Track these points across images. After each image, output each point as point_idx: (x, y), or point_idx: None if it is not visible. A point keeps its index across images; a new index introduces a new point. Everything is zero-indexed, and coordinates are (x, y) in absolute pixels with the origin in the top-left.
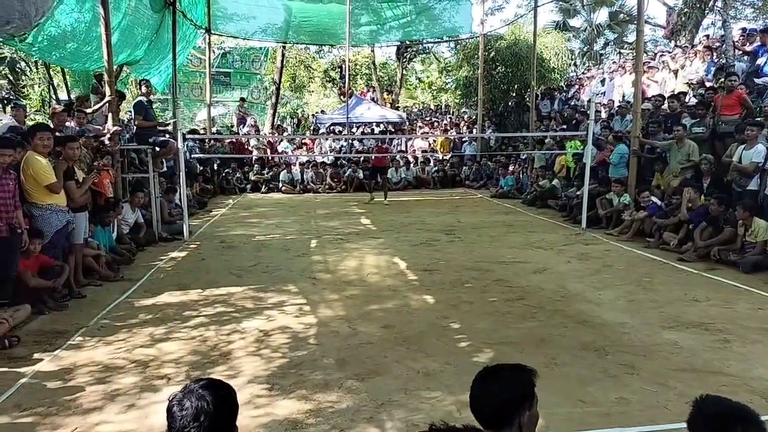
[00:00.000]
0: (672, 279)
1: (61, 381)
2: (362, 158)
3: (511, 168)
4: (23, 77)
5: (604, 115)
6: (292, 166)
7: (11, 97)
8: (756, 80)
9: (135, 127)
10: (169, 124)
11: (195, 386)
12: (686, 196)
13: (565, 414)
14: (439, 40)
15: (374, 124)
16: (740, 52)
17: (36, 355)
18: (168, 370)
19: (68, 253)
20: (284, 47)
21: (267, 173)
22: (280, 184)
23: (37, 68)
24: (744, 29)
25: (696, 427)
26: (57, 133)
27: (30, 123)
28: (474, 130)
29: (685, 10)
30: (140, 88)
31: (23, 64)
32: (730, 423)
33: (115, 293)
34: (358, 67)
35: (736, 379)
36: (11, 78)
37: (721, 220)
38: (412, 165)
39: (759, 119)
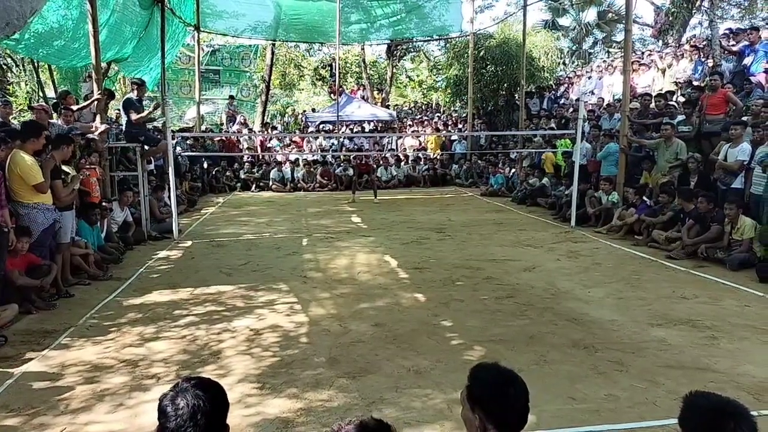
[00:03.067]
0: (660, 276)
1: (49, 381)
2: (353, 156)
3: (499, 166)
4: (9, 74)
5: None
6: (283, 165)
7: None
8: (752, 78)
9: (124, 125)
10: (157, 110)
11: (187, 385)
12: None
13: (554, 411)
14: (429, 38)
15: (365, 122)
16: (726, 51)
17: (24, 356)
18: (158, 370)
19: (56, 252)
20: (274, 45)
21: (257, 171)
22: (270, 183)
23: (23, 65)
24: (729, 29)
25: (688, 424)
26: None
27: (14, 121)
28: (462, 128)
29: (673, 9)
30: (133, 88)
31: (9, 60)
32: (722, 418)
33: (103, 292)
34: (348, 65)
35: (723, 376)
36: None
37: (708, 218)
38: (402, 163)
39: (744, 118)
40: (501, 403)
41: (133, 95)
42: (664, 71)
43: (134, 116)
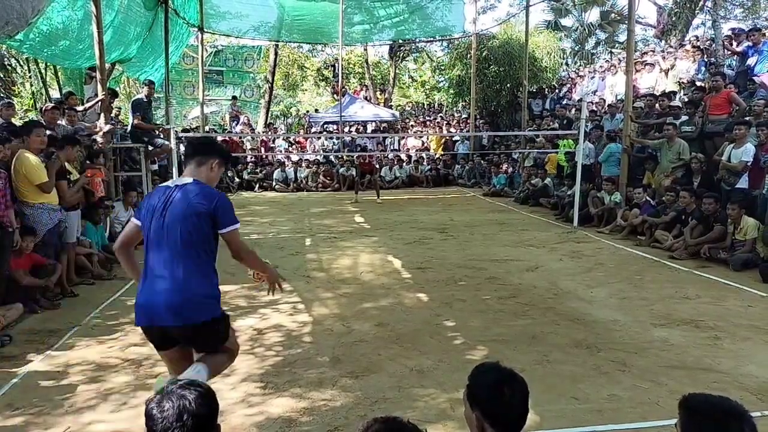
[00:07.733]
0: (663, 276)
1: (53, 380)
2: (355, 156)
3: (504, 166)
4: (13, 74)
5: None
6: (286, 165)
7: (1, 95)
8: (755, 78)
9: (129, 125)
10: (164, 129)
11: (173, 387)
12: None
13: (557, 411)
14: (432, 39)
15: (368, 122)
16: (729, 52)
17: (28, 355)
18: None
19: (61, 251)
20: (277, 46)
21: (260, 172)
22: (274, 183)
23: (28, 65)
24: (732, 29)
25: (689, 427)
26: (49, 132)
27: (19, 121)
28: (464, 129)
29: (676, 9)
30: (143, 88)
31: (14, 61)
32: (727, 420)
33: (108, 292)
34: (351, 65)
35: (726, 376)
36: (1, 75)
37: (712, 218)
38: (405, 164)
39: (748, 118)
40: (496, 402)
41: (143, 95)
42: (666, 71)
43: (136, 120)
